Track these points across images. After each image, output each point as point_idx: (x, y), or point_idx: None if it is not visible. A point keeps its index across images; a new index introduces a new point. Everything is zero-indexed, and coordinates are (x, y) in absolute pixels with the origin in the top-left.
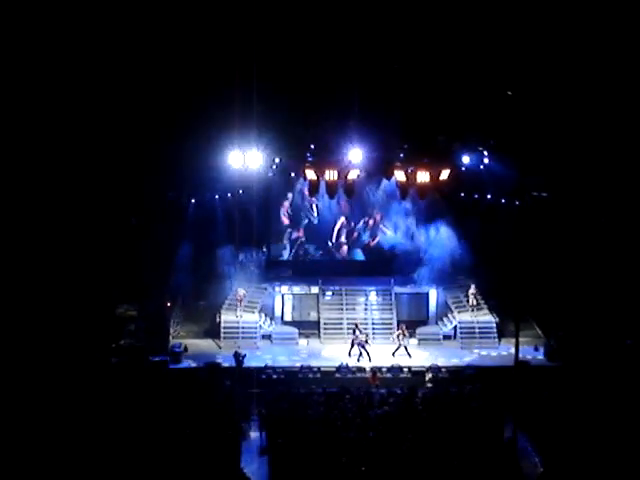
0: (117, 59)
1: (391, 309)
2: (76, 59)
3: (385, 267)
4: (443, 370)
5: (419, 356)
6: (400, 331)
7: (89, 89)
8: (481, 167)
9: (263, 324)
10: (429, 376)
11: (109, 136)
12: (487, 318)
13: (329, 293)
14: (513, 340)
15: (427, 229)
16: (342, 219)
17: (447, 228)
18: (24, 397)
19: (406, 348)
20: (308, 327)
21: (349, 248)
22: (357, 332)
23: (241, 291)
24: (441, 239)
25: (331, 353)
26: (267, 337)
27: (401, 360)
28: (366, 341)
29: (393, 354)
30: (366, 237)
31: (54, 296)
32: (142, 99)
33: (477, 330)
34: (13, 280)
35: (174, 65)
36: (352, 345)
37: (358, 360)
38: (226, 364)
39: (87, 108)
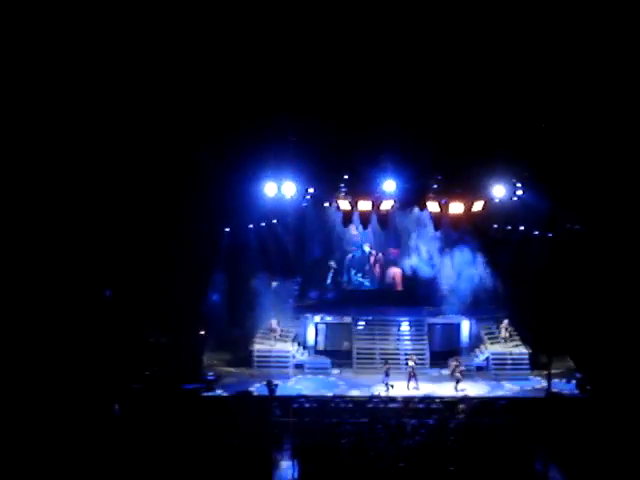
0: (153, 89)
1: (423, 339)
2: (113, 87)
3: (418, 297)
4: (475, 401)
5: (451, 387)
6: (456, 363)
7: (123, 118)
8: (514, 199)
9: (296, 353)
10: (461, 407)
11: (144, 165)
12: (520, 349)
13: (362, 323)
14: (545, 372)
15: (460, 260)
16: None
17: (480, 259)
18: (55, 423)
19: (457, 382)
20: (341, 357)
21: None
22: (411, 363)
23: (274, 321)
24: (474, 270)
25: (364, 383)
26: (300, 366)
27: (434, 391)
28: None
29: (455, 389)
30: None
31: (88, 323)
32: (178, 129)
33: (509, 361)
34: (48, 311)
35: (210, 95)
36: (412, 376)
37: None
38: (258, 393)
39: (122, 137)
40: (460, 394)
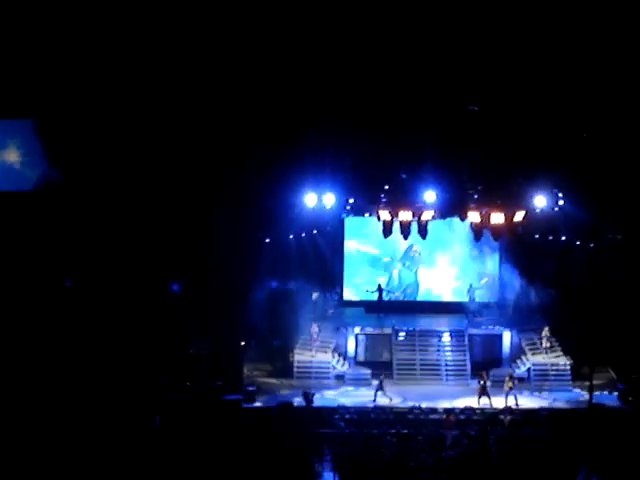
0: (193, 98)
1: (464, 350)
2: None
3: (459, 308)
4: (516, 412)
5: (492, 398)
6: (510, 380)
7: (166, 129)
8: (556, 209)
9: (336, 364)
10: (502, 418)
11: (185, 175)
12: (561, 360)
13: (402, 334)
14: (587, 383)
15: (501, 270)
16: None
17: (521, 269)
18: (95, 432)
19: (515, 397)
20: (381, 368)
21: None
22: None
23: (315, 328)
24: (515, 280)
25: (404, 394)
26: (340, 377)
27: (475, 402)
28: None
29: (506, 402)
30: None
31: (128, 335)
32: (218, 140)
33: (551, 372)
34: (89, 321)
35: (250, 106)
36: (482, 392)
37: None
38: (299, 404)
39: (165, 146)
40: (508, 405)
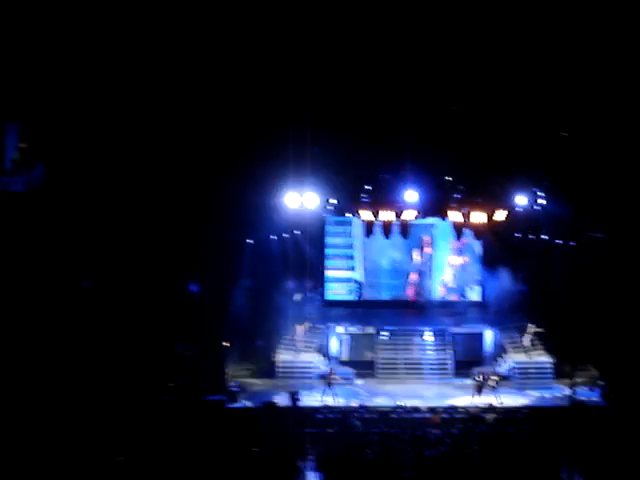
0: (173, 99)
1: (446, 349)
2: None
3: (441, 307)
4: (499, 410)
5: (476, 396)
6: (493, 378)
7: (145, 129)
8: (537, 208)
9: (320, 364)
10: (485, 416)
11: (165, 176)
12: (543, 359)
13: (385, 333)
14: (568, 381)
15: (483, 269)
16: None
17: (503, 268)
18: (79, 436)
19: (498, 395)
20: (364, 367)
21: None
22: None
23: (298, 329)
24: (497, 279)
25: (387, 393)
26: (323, 377)
27: (458, 401)
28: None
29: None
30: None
31: (111, 336)
32: (199, 143)
33: (533, 370)
34: (71, 321)
35: (230, 107)
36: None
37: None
38: (283, 404)
39: (144, 148)
40: (491, 403)
